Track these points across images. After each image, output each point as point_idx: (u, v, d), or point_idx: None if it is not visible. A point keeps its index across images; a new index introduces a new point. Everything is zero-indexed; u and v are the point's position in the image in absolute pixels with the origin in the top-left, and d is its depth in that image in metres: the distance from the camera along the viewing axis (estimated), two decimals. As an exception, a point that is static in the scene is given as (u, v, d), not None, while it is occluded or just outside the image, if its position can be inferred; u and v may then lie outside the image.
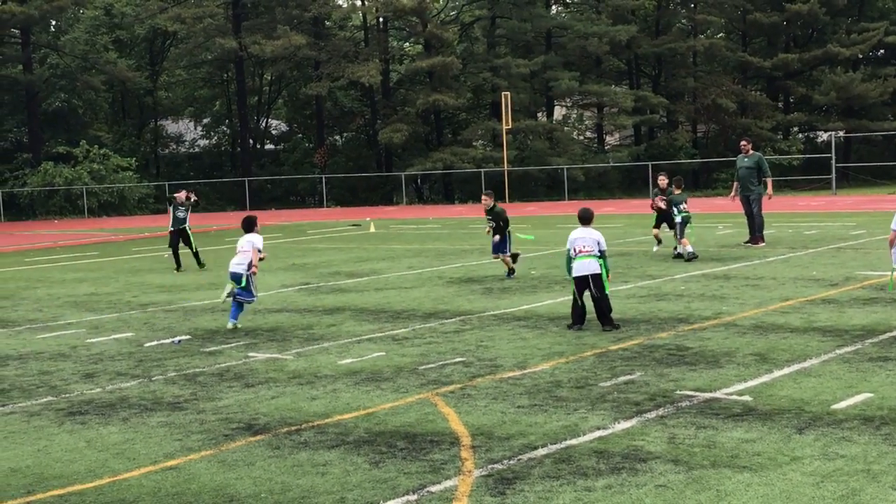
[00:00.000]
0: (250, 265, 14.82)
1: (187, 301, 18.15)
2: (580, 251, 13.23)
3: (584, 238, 13.29)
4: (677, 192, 22.21)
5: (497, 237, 19.55)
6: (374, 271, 21.73)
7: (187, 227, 24.42)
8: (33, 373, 12.01)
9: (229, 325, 14.76)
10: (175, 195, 25.23)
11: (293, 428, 8.91)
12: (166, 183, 60.29)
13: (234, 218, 49.84)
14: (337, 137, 69.98)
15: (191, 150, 71.10)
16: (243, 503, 6.96)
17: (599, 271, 13.07)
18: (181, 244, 24.38)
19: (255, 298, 15.15)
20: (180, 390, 10.68)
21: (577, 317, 13.28)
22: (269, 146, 71.16)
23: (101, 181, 56.29)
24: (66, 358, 12.92)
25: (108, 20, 64.19)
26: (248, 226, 15.35)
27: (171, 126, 72.20)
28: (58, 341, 14.29)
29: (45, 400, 10.49)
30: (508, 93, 53.29)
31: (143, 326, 15.36)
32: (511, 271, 19.64)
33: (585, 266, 13.14)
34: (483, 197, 20.27)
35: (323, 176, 60.37)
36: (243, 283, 14.73)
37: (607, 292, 13.20)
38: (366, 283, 19.70)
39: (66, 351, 13.43)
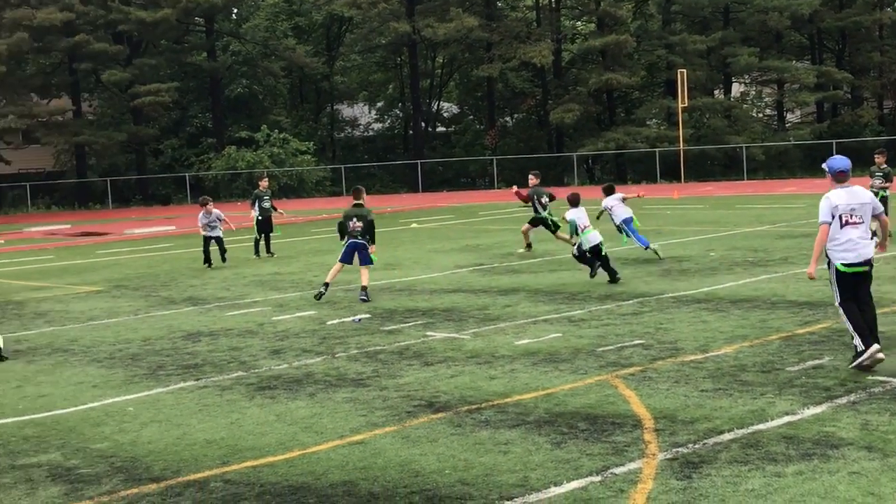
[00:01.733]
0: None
1: (366, 281, 18.49)
2: (584, 227, 16.72)
3: (581, 217, 16.85)
4: (883, 164, 21.05)
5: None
6: (548, 252, 21.68)
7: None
8: (224, 349, 12.49)
9: (653, 246, 19.33)
10: (259, 182, 25.51)
11: (473, 406, 8.99)
12: (342, 166, 61.70)
13: (408, 200, 50.61)
14: (508, 119, 70.05)
15: (365, 134, 72.49)
16: (428, 479, 7.06)
17: (602, 239, 16.67)
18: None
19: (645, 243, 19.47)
20: (363, 367, 10.92)
21: (593, 264, 16.58)
22: (440, 129, 71.85)
23: (280, 164, 57.99)
24: (254, 335, 13.38)
25: (287, 7, 65.97)
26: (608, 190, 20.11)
27: (346, 110, 73.79)
28: (245, 319, 14.81)
29: (235, 375, 10.89)
30: (684, 70, 52.22)
31: (325, 305, 15.76)
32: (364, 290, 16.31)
33: (595, 237, 16.63)
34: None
35: (494, 157, 60.55)
36: (624, 239, 19.73)
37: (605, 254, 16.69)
38: (539, 264, 19.67)
39: (254, 328, 13.92)
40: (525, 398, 9.18)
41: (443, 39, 58.89)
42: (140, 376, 11.10)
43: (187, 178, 59.22)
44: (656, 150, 54.71)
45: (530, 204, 22.21)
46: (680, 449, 7.43)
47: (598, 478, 6.88)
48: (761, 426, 7.88)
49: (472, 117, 71.18)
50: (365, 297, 15.99)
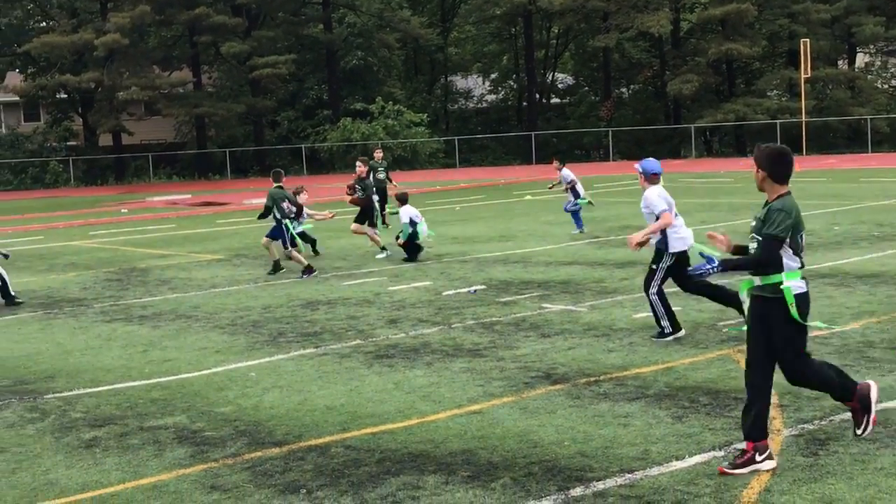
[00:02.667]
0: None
1: (479, 252, 18.52)
2: (420, 220, 17.95)
3: (415, 212, 17.93)
4: None
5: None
6: (666, 225, 21.32)
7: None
8: (342, 317, 12.64)
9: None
10: (374, 154, 25.52)
11: (591, 379, 8.92)
12: (455, 138, 61.77)
13: (521, 172, 50.45)
14: (624, 90, 69.16)
15: (479, 106, 72.40)
16: (547, 450, 7.03)
17: None
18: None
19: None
20: (479, 338, 10.93)
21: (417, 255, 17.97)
22: (554, 100, 71.33)
23: (394, 136, 58.33)
24: (371, 304, 13.51)
25: (402, -22, 66.16)
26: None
27: (459, 82, 73.75)
28: (362, 288, 14.96)
29: (353, 343, 11.02)
30: (807, 40, 50.74)
31: (440, 276, 15.82)
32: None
33: (426, 227, 18.14)
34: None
35: (609, 129, 59.90)
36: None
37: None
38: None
39: (371, 297, 14.05)
40: (644, 371, 9.07)
41: (558, 9, 58.31)
42: (261, 343, 11.31)
43: (303, 149, 60.01)
44: (777, 121, 53.40)
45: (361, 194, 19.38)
46: (806, 425, 7.26)
47: (721, 452, 6.77)
48: (890, 404, 7.64)
49: (587, 88, 70.45)
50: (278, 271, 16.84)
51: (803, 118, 50.89)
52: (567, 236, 20.33)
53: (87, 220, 32.46)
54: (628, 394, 8.35)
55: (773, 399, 7.93)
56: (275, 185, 17.09)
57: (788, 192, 6.45)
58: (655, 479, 6.37)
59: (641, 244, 10.49)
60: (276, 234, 16.95)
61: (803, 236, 6.46)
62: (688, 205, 26.15)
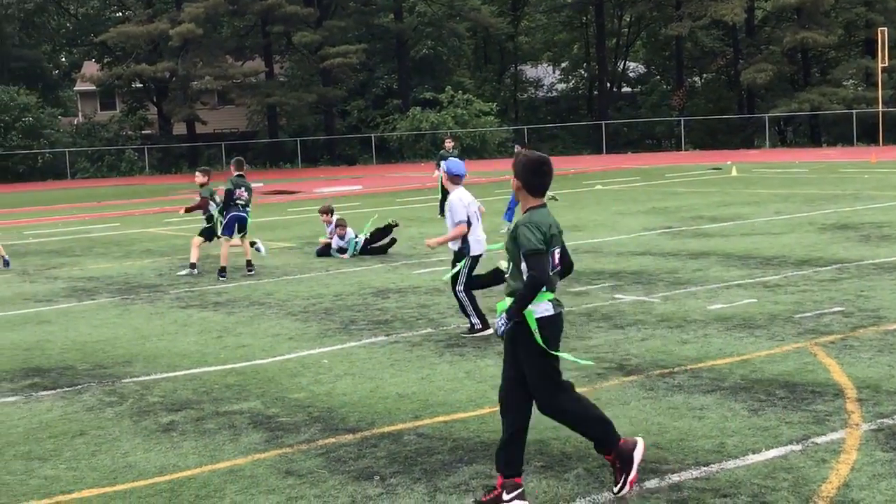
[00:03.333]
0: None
1: (551, 242, 18.43)
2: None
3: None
4: None
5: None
6: (739, 216, 21.09)
7: None
8: (412, 305, 12.68)
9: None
10: (445, 143, 25.58)
11: (665, 370, 8.83)
12: (524, 127, 61.58)
13: (591, 161, 50.15)
14: (696, 79, 68.41)
15: (548, 95, 72.12)
16: (621, 441, 6.97)
17: None
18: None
19: None
20: (551, 328, 10.87)
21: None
22: (625, 89, 70.79)
23: (464, 125, 58.33)
24: (441, 293, 13.52)
25: (473, -33, 66.08)
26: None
27: (529, 71, 73.52)
28: (432, 277, 15.00)
29: (424, 331, 11.04)
30: (885, 28, 49.71)
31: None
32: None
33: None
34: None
35: (681, 118, 59.28)
36: None
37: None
38: (731, 228, 19.17)
39: (441, 286, 14.06)
40: (719, 364, 8.97)
41: (630, -2, 57.85)
42: (333, 330, 11.38)
43: (373, 138, 60.28)
44: (853, 111, 52.44)
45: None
46: (885, 420, 7.12)
47: (799, 447, 6.66)
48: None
49: (658, 77, 69.85)
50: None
51: (880, 108, 49.90)
52: (639, 227, 20.16)
53: (161, 208, 32.96)
54: (703, 386, 8.26)
55: (851, 393, 7.80)
56: (235, 173, 16.93)
57: (543, 205, 6.05)
58: (732, 472, 6.29)
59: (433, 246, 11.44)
60: (214, 229, 16.88)
61: (557, 253, 6.08)
62: (762, 195, 25.81)
